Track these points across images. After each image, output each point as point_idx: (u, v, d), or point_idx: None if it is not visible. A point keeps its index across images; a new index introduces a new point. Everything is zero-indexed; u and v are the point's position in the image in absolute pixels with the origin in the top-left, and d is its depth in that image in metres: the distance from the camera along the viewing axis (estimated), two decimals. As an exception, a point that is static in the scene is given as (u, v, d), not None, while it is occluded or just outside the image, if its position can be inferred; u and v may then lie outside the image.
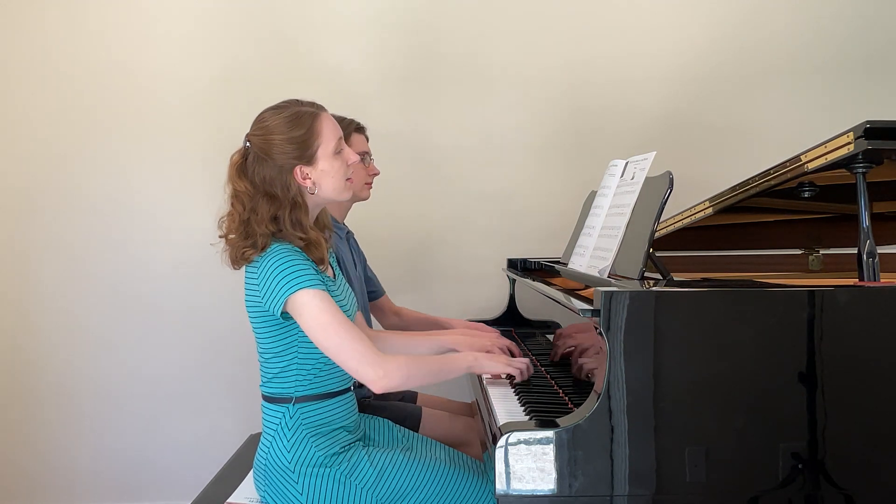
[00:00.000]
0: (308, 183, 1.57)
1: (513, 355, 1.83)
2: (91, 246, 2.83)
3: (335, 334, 1.47)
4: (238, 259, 1.55)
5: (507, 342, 1.90)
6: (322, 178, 1.58)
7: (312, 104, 1.62)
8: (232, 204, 1.57)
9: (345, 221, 2.17)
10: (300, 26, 2.83)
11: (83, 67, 2.81)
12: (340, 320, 1.48)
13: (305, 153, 1.56)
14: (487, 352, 1.83)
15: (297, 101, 1.61)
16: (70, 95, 2.81)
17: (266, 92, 2.78)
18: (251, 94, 2.80)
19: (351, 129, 2.10)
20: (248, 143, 1.58)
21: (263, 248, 1.52)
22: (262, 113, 1.61)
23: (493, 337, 1.92)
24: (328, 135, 1.59)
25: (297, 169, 1.56)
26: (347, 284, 1.74)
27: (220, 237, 1.59)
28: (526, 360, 1.69)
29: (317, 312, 1.47)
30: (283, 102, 1.61)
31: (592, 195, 2.09)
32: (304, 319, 1.49)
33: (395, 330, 2.24)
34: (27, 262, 2.84)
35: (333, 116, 2.07)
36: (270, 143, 1.54)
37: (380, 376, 1.46)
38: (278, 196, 1.54)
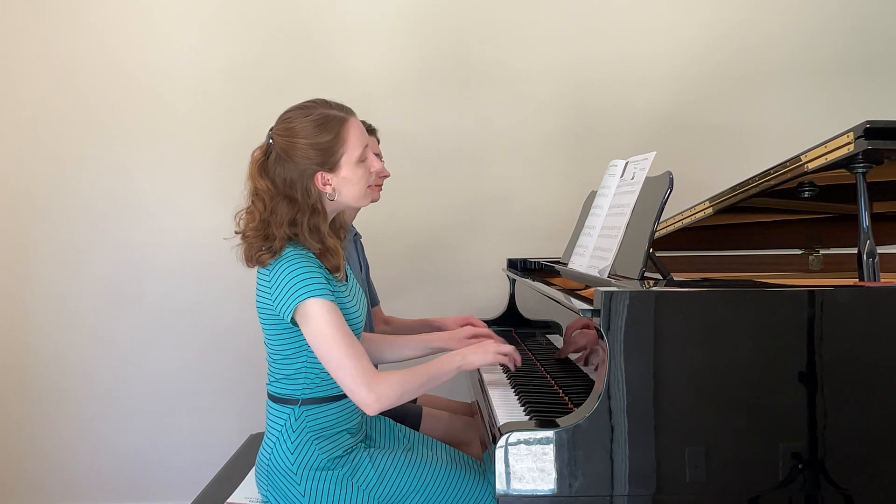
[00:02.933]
0: (328, 189, 1.55)
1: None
2: (92, 245, 2.83)
3: (336, 348, 1.45)
4: (252, 259, 1.53)
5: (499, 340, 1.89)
6: (343, 185, 1.56)
7: (341, 107, 1.58)
8: (252, 201, 1.54)
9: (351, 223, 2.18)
10: (303, 26, 2.82)
11: (85, 66, 2.80)
12: (344, 334, 1.46)
13: (329, 160, 1.53)
14: (474, 336, 1.82)
15: (326, 101, 1.57)
16: (71, 94, 2.81)
17: (269, 91, 2.83)
18: (254, 94, 2.81)
19: None
20: (271, 141, 1.55)
21: (278, 253, 1.50)
22: (288, 112, 1.57)
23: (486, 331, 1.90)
24: (354, 142, 1.55)
25: (319, 175, 1.53)
26: (359, 287, 1.73)
27: (236, 233, 1.56)
28: (511, 346, 1.67)
29: (322, 324, 1.46)
30: (311, 102, 1.57)
31: (592, 195, 2.09)
32: (309, 329, 1.47)
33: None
34: (29, 261, 2.84)
35: None
36: (294, 145, 1.51)
37: (373, 399, 1.44)
38: (298, 200, 1.51)
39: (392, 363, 2.00)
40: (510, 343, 1.94)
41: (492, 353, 1.61)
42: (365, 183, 1.59)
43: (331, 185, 1.55)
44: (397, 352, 1.85)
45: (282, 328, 1.53)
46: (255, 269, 1.57)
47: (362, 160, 1.57)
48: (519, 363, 1.67)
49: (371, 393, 1.44)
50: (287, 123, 1.54)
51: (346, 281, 1.64)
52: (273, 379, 1.61)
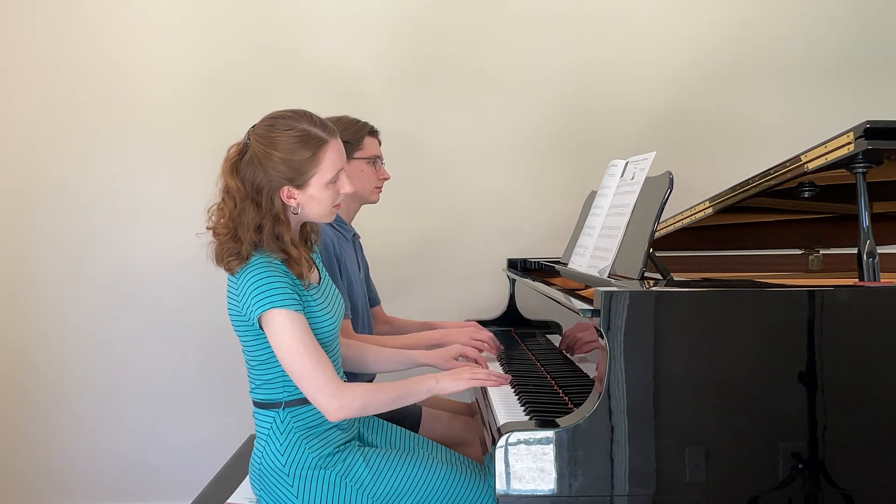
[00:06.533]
0: (292, 203, 1.55)
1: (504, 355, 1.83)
2: (87, 246, 2.82)
3: (299, 359, 1.47)
4: (222, 261, 1.53)
5: (485, 336, 1.92)
6: (308, 203, 1.56)
7: (325, 126, 1.56)
8: (223, 198, 1.55)
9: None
10: (300, 24, 2.82)
11: (76, 65, 2.79)
12: (307, 345, 1.47)
13: (299, 177, 1.52)
14: (461, 355, 1.83)
15: (311, 118, 1.56)
16: (63, 94, 2.80)
17: (265, 90, 2.82)
18: (248, 93, 2.81)
19: (364, 132, 2.08)
20: (248, 140, 1.54)
21: (246, 259, 1.51)
22: (272, 118, 1.55)
23: (467, 338, 1.92)
24: (328, 166, 1.54)
25: (285, 189, 1.53)
26: (336, 289, 1.72)
27: (208, 228, 1.57)
28: (487, 370, 1.67)
29: (285, 335, 1.47)
30: (295, 114, 1.55)
31: (592, 195, 2.09)
32: (272, 338, 1.49)
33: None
34: (23, 262, 2.83)
35: (345, 118, 2.06)
36: (269, 156, 1.51)
37: (335, 408, 1.47)
38: (262, 206, 1.52)
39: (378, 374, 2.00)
40: (510, 344, 1.95)
41: (465, 379, 1.60)
42: (331, 203, 1.58)
43: (295, 199, 1.55)
44: (382, 364, 1.84)
45: (254, 334, 1.54)
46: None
47: (333, 182, 1.57)
48: (504, 382, 1.64)
49: (333, 401, 1.46)
50: (268, 131, 1.53)
51: (320, 282, 1.64)
52: (254, 386, 1.61)
